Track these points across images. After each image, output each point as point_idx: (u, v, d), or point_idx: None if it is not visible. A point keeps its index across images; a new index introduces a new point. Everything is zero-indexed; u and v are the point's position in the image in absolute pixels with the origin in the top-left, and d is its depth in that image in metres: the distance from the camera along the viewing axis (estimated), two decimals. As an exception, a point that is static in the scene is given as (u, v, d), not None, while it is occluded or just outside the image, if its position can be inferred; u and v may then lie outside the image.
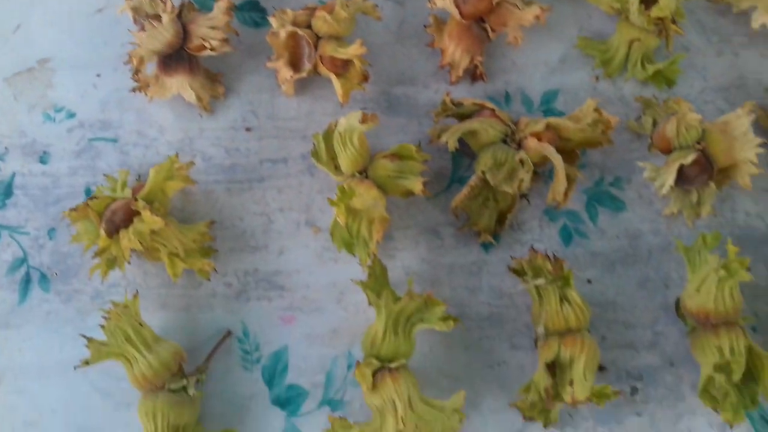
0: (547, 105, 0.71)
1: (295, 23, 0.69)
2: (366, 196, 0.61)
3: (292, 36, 0.69)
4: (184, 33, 0.69)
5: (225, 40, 0.69)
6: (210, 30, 0.68)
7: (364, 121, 0.62)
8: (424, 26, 0.73)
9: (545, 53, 0.73)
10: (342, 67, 0.69)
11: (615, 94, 0.71)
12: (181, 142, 0.70)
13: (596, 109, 0.64)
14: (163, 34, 0.67)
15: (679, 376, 0.62)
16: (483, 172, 0.62)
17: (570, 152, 0.66)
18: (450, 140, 0.63)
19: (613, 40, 0.72)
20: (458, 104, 0.67)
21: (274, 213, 0.67)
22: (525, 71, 0.72)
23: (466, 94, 0.72)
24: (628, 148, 0.69)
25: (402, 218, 0.67)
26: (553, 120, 0.63)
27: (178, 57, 0.69)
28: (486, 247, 0.66)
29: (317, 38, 0.69)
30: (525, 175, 0.62)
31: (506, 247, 0.66)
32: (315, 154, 0.65)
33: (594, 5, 0.74)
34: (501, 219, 0.66)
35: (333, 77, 0.68)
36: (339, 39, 0.69)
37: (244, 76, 0.72)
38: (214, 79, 0.71)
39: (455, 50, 0.71)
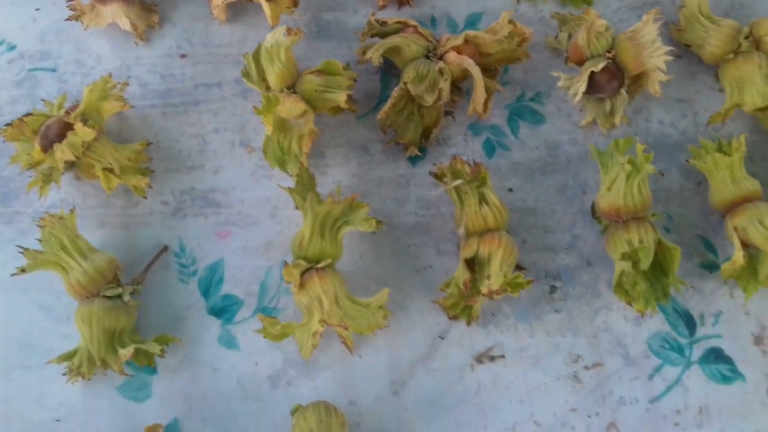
0: (471, 27, 0.73)
1: (225, -49, 0.71)
2: (293, 109, 0.63)
3: (223, -36, 0.71)
4: (117, -37, 0.71)
5: (157, -29, 0.71)
6: (142, -41, 0.70)
7: (289, 34, 0.65)
8: (352, -47, 0.75)
9: (469, -21, 0.76)
10: (272, -8, 0.71)
11: (535, 16, 0.74)
12: (119, 70, 0.72)
13: (511, 21, 0.66)
14: (95, -39, 0.69)
15: (596, 274, 0.65)
16: (405, 84, 0.65)
17: (491, 69, 0.69)
18: (374, 56, 0.66)
19: (532, -36, 0.75)
20: (383, 23, 0.69)
21: (209, 134, 0.70)
22: (449, -4, 0.75)
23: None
24: (548, 64, 0.72)
25: (333, 137, 0.70)
26: (471, 33, 0.66)
27: (112, -15, 0.71)
28: (413, 160, 0.69)
29: (247, -35, 0.71)
30: (444, 84, 0.64)
31: (433, 160, 0.69)
32: (246, 74, 0.67)
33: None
34: (426, 134, 0.69)
35: (263, 1, 0.70)
36: (267, -36, 0.71)
37: (178, 5, 0.74)
38: (149, 9, 0.73)
39: (382, -25, 0.73)
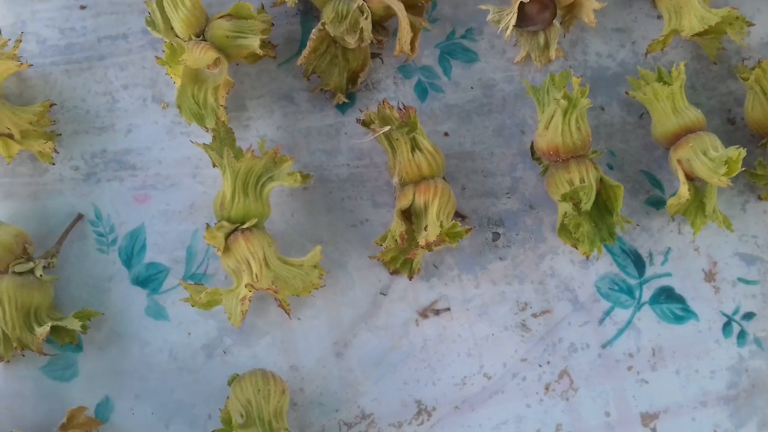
0: (396, -38, 0.69)
1: None
2: (203, 57, 0.58)
3: None
4: None
5: None
6: None
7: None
8: None
9: None
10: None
11: (464, -56, 0.70)
12: (13, 27, 0.66)
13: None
14: None
15: (539, 218, 0.62)
16: (324, 24, 0.60)
17: (416, 6, 0.65)
18: (289, -5, 0.61)
19: None
20: (298, -43, 0.64)
21: (117, 91, 0.64)
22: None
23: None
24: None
25: (254, 87, 0.65)
26: (392, -33, 0.62)
27: (-2, -67, 0.64)
28: (342, 108, 0.65)
29: None
30: (365, 23, 0.60)
31: (363, 107, 0.65)
32: (150, 22, 0.62)
33: None
34: (354, 79, 0.64)
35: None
36: None
37: (74, -47, 0.68)
38: (43, -42, 0.67)
39: None
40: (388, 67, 0.66)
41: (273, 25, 0.63)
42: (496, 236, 0.62)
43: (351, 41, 0.60)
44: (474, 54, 0.66)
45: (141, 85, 0.64)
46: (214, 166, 0.57)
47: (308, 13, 0.67)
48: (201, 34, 0.61)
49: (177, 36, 0.61)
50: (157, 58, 0.57)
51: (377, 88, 0.65)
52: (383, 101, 0.59)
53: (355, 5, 0.61)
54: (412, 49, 0.63)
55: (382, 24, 0.65)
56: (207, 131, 0.61)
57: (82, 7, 0.66)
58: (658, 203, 0.63)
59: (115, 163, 0.62)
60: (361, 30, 0.60)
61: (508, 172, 0.63)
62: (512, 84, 0.66)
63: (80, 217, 0.61)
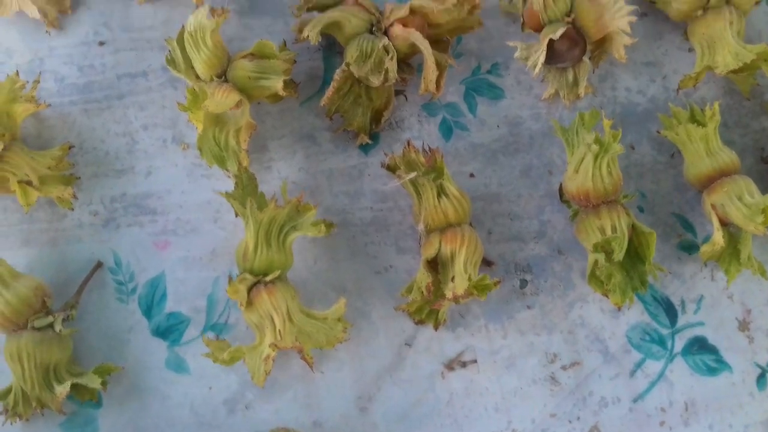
0: (419, -7, 0.67)
1: None
2: (224, 101, 0.57)
3: (138, -64, 0.64)
4: (17, -57, 0.63)
5: (65, -52, 0.63)
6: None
7: (214, 15, 0.58)
8: None
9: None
10: (193, -35, 0.64)
11: (487, -23, 0.68)
12: (31, 64, 0.64)
13: (459, -13, 0.60)
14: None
15: (568, 264, 0.60)
16: (348, 65, 0.58)
17: (441, 41, 0.63)
18: (311, 34, 0.59)
19: None
20: (320, -7, 0.63)
21: (137, 132, 0.63)
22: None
23: (333, -14, 0.67)
24: (504, 32, 0.66)
25: (276, 127, 0.64)
26: (416, 2, 0.60)
27: (14, -30, 0.63)
28: (365, 149, 0.63)
29: (165, -62, 0.64)
30: (390, 64, 0.58)
31: (386, 147, 0.63)
32: (171, 61, 0.61)
33: None
34: (377, 118, 0.63)
35: (184, -22, 0.63)
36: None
37: (92, -14, 0.67)
38: (59, -8, 0.66)
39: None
40: (412, 105, 0.64)
41: (295, 62, 0.61)
42: (524, 283, 0.60)
43: (376, 81, 0.59)
44: (500, 90, 0.65)
45: (161, 125, 0.63)
46: (236, 215, 0.56)
47: (331, 49, 0.65)
48: (223, 75, 0.60)
49: (198, 77, 0.60)
50: (179, 104, 0.56)
51: (401, 127, 0.64)
52: (408, 143, 0.57)
53: (380, 44, 0.59)
54: (438, 88, 0.61)
55: (407, 61, 0.63)
56: (228, 174, 0.60)
57: (101, 43, 0.65)
58: (690, 248, 0.61)
59: (135, 208, 0.61)
60: (386, 70, 0.58)
61: (536, 215, 0.62)
62: (539, 122, 0.64)
63: (100, 265, 0.60)
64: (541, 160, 0.63)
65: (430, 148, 0.57)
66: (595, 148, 0.55)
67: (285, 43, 0.62)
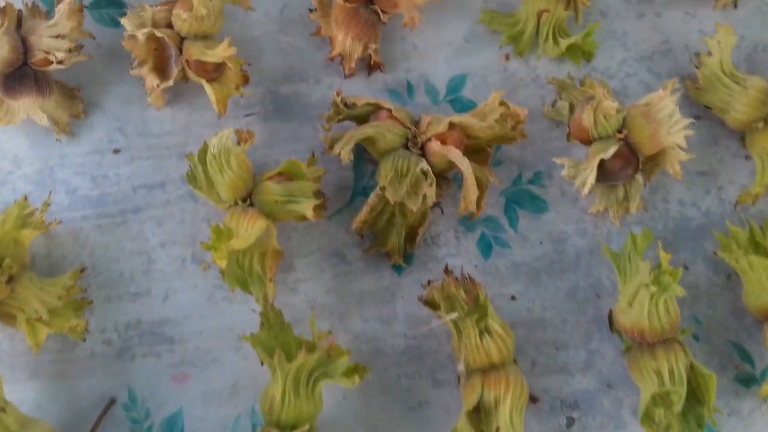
0: (454, 94, 0.63)
1: (154, 23, 0.59)
2: (250, 235, 0.53)
3: (154, 37, 0.59)
4: (25, 46, 0.58)
5: (76, 49, 0.59)
6: (54, 40, 0.58)
7: (240, 140, 0.54)
8: (309, 10, 0.63)
9: (447, 32, 0.65)
10: (214, 71, 0.59)
11: (528, 75, 0.63)
12: (40, 174, 0.60)
13: (502, 103, 0.56)
14: (-3, 52, 0.57)
15: (618, 399, 0.56)
16: (382, 189, 0.54)
17: (481, 150, 0.59)
18: (343, 152, 0.55)
19: (519, 13, 0.64)
20: (351, 105, 0.58)
21: (154, 250, 0.59)
22: (427, 55, 0.64)
23: (364, 88, 0.63)
24: (547, 137, 0.62)
25: (302, 243, 0.59)
26: (456, 119, 0.56)
27: (22, 75, 0.59)
28: (398, 269, 0.59)
29: (181, 39, 0.59)
30: (429, 190, 0.54)
31: (421, 266, 0.59)
32: (191, 179, 0.56)
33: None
34: (412, 235, 0.58)
35: (204, 84, 0.59)
36: (207, 38, 0.59)
37: (107, 87, 0.63)
38: (71, 95, 0.62)
39: (345, 38, 0.62)
40: (448, 218, 0.60)
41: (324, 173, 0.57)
42: (571, 421, 0.56)
43: (413, 207, 0.55)
44: (543, 202, 0.60)
45: (179, 242, 0.59)
46: (262, 364, 0.52)
47: (361, 157, 0.61)
48: (248, 198, 0.55)
49: (220, 198, 0.56)
50: (202, 243, 0.51)
51: (437, 243, 0.59)
52: (446, 272, 0.53)
53: (418, 169, 0.55)
54: (479, 208, 0.57)
55: (444, 175, 0.59)
56: (252, 296, 0.56)
57: (116, 151, 0.61)
58: (748, 381, 0.56)
59: (151, 336, 0.57)
60: (425, 196, 0.54)
61: (583, 344, 0.57)
62: (585, 237, 0.59)
63: (113, 402, 0.55)
64: (588, 281, 0.58)
65: (470, 277, 0.53)
66: (653, 289, 0.51)
67: (313, 156, 0.58)
